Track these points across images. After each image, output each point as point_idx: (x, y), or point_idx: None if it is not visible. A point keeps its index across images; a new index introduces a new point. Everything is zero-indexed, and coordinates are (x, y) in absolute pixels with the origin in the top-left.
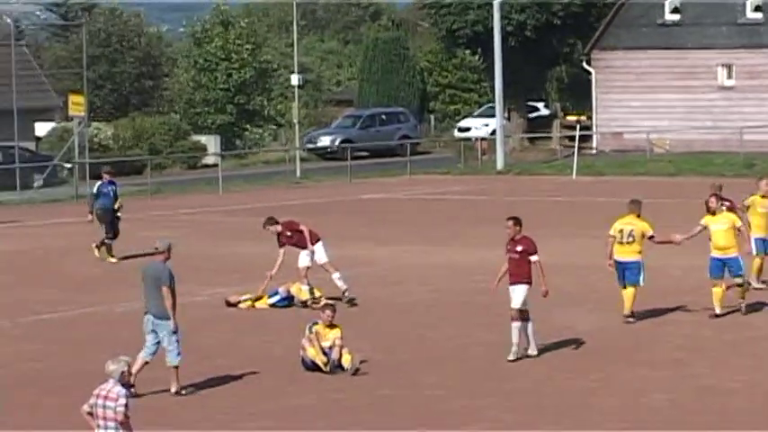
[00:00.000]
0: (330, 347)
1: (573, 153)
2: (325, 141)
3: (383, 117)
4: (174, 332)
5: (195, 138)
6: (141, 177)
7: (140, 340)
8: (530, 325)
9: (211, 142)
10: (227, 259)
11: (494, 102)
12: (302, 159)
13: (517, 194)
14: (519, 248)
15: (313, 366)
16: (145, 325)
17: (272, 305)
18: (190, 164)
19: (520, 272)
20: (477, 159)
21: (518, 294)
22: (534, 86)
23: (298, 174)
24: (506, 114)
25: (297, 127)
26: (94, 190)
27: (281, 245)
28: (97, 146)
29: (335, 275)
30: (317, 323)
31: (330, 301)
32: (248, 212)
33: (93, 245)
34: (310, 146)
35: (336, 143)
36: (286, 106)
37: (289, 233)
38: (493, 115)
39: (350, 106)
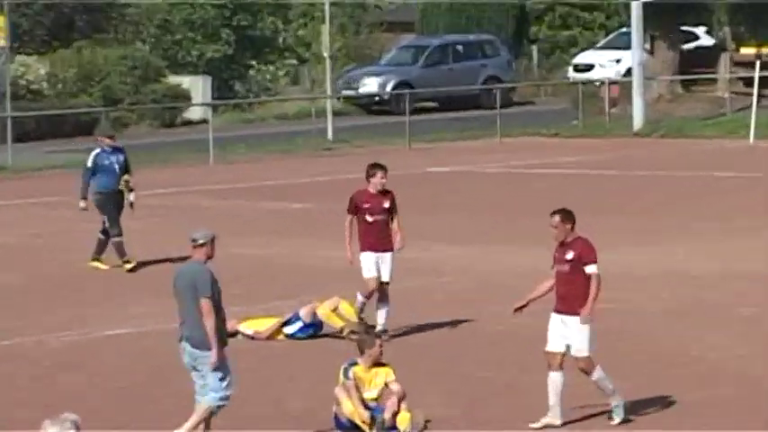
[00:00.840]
0: (376, 399)
1: (750, 105)
2: (371, 85)
3: (459, 49)
4: (217, 369)
5: (173, 80)
6: (90, 139)
7: (127, 371)
8: (596, 372)
9: (197, 87)
10: (220, 264)
11: (628, 26)
12: (336, 113)
13: (663, 167)
14: (569, 256)
15: (351, 427)
16: (182, 357)
17: (290, 336)
18: (165, 120)
19: (573, 293)
20: (602, 114)
21: (575, 334)
22: (692, 3)
23: (329, 134)
24: (648, 45)
25: (328, 63)
26: (89, 162)
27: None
28: (24, 91)
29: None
30: (355, 363)
31: (376, 328)
32: (252, 194)
33: (92, 260)
34: (349, 92)
35: (388, 88)
36: (313, 31)
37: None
38: (627, 47)
39: (409, 32)
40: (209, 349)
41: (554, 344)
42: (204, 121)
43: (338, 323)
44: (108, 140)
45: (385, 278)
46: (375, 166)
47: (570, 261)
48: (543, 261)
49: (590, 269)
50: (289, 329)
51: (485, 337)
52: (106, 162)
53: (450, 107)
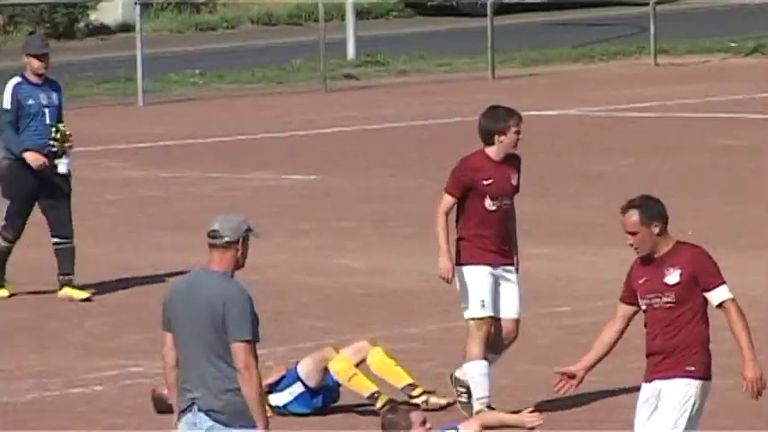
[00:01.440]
0: None
1: None
2: None
3: None
4: None
5: None
6: None
7: None
8: None
9: None
10: (147, 279)
11: None
12: (362, 12)
13: None
14: (672, 277)
15: None
16: None
17: (281, 409)
18: (58, 27)
19: (684, 342)
20: None
21: (667, 413)
22: None
23: (350, 52)
24: None
25: None
26: (6, 101)
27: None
28: None
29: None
30: None
31: (476, 399)
32: (215, 157)
33: (62, 284)
34: None
35: None
36: None
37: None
38: None
39: None
40: (246, 425)
41: None
42: (127, 29)
43: (367, 387)
44: (37, 64)
45: (512, 313)
46: (506, 113)
47: (676, 286)
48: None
49: (719, 294)
50: (278, 398)
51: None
52: (31, 102)
53: (558, 4)
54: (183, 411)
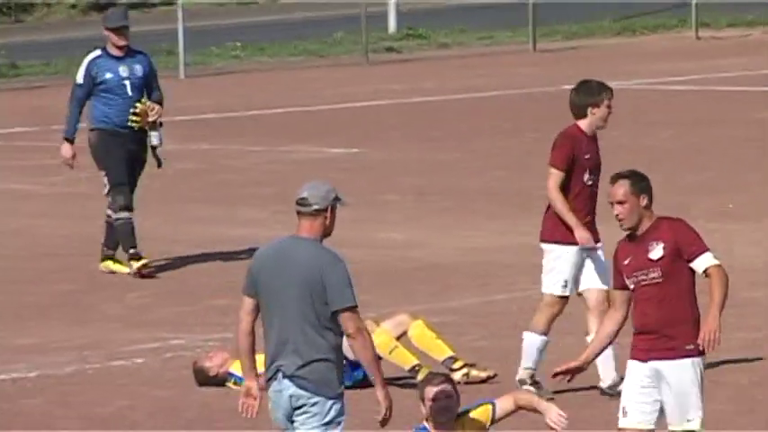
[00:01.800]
0: None
1: None
2: None
3: None
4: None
5: None
6: None
7: None
8: None
9: None
10: (187, 252)
11: None
12: None
13: None
14: (656, 252)
15: None
16: (272, 406)
17: None
18: (103, 0)
19: (673, 317)
20: None
21: (681, 391)
22: None
23: (391, 24)
24: None
25: None
26: (80, 76)
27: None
28: None
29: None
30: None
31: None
32: (256, 130)
33: (104, 258)
34: None
35: None
36: None
37: None
38: None
39: None
40: (330, 395)
41: (638, 417)
42: (168, 2)
43: (408, 360)
44: (116, 38)
45: (604, 284)
46: (598, 86)
47: (660, 261)
48: None
49: (704, 261)
50: None
51: None
52: (109, 76)
53: None
54: (270, 380)
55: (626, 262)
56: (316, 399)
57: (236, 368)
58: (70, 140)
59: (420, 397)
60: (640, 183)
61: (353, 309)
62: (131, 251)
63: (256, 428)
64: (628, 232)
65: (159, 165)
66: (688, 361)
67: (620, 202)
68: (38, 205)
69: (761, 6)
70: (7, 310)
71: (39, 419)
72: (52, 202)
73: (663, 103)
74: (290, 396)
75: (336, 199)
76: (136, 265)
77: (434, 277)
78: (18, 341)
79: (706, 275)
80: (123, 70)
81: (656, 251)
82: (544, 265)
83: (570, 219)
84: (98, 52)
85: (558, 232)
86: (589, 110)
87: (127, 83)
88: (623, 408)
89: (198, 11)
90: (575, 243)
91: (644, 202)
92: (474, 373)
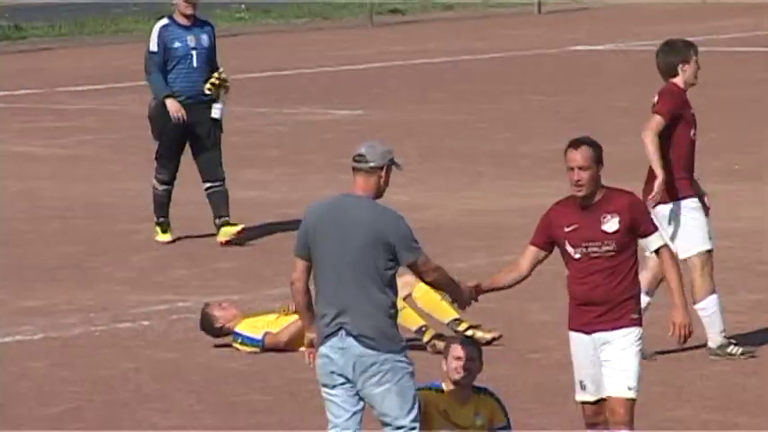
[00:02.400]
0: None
1: None
2: None
3: None
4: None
5: None
6: None
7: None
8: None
9: None
10: (194, 214)
11: None
12: None
13: None
14: (611, 224)
15: None
16: (325, 363)
17: None
18: None
19: (619, 291)
20: None
21: (622, 357)
22: None
23: None
24: None
25: None
26: (153, 44)
27: None
28: None
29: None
30: (439, 389)
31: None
32: (261, 93)
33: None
34: None
35: None
36: None
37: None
38: None
39: None
40: (394, 350)
41: (595, 388)
42: None
43: (415, 321)
44: (184, 5)
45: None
46: (684, 44)
47: (615, 234)
48: None
49: (656, 240)
50: None
51: None
52: (177, 45)
53: None
54: (329, 336)
55: (569, 229)
56: (385, 356)
57: (243, 328)
58: (171, 95)
59: (444, 354)
60: (599, 151)
61: (424, 256)
62: (160, 220)
63: (262, 392)
64: (580, 196)
65: (218, 126)
66: (634, 330)
67: (582, 168)
68: (43, 168)
69: None
70: (12, 273)
71: (43, 382)
72: (57, 165)
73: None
74: (358, 356)
75: (393, 161)
76: (161, 237)
77: (439, 239)
78: (23, 303)
79: (656, 254)
80: (191, 40)
81: (612, 224)
82: (674, 228)
83: (658, 166)
84: (166, 20)
85: (683, 186)
86: (680, 67)
87: (193, 53)
88: (580, 381)
89: None
90: (694, 195)
91: (600, 170)
92: (479, 334)
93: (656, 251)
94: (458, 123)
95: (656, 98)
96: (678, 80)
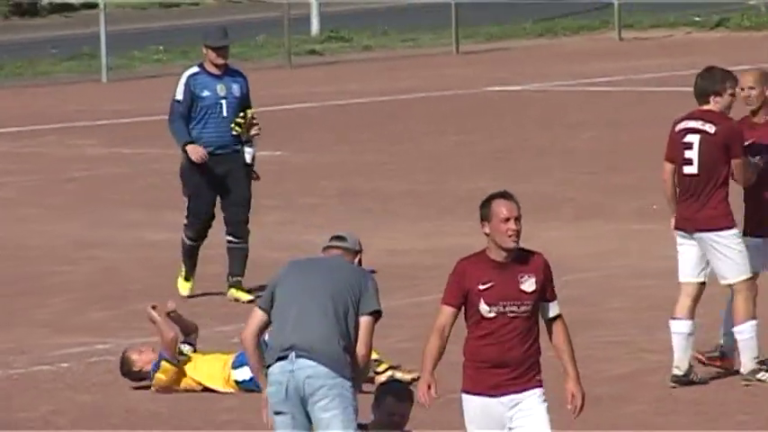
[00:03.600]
0: None
1: None
2: None
3: None
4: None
5: None
6: None
7: None
8: None
9: None
10: (112, 256)
11: None
12: None
13: None
14: (528, 287)
15: None
16: (277, 389)
17: (249, 384)
18: (25, 4)
19: (531, 353)
20: None
21: (544, 424)
22: None
23: (314, 27)
24: None
25: None
26: (179, 93)
27: None
28: None
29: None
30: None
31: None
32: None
33: (233, 285)
34: None
35: None
36: None
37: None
38: None
39: None
40: (346, 376)
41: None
42: (90, 6)
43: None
44: (215, 56)
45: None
46: (722, 75)
47: (533, 294)
48: None
49: (556, 307)
50: (245, 373)
51: None
52: (206, 94)
53: None
54: (279, 359)
55: (484, 286)
56: (335, 380)
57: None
58: (191, 142)
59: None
60: (510, 199)
61: (378, 315)
62: (185, 272)
63: (179, 429)
64: (507, 249)
65: (257, 178)
66: (541, 390)
67: (518, 219)
68: None
69: (682, 7)
70: None
71: None
72: None
73: (586, 104)
74: (307, 377)
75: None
76: (183, 289)
77: None
78: None
79: (551, 321)
80: (221, 89)
81: (529, 284)
82: (717, 256)
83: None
84: (196, 69)
85: (730, 216)
86: (711, 98)
87: (223, 102)
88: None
89: (120, 15)
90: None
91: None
92: (398, 375)
93: (554, 318)
94: (376, 164)
95: (713, 130)
96: (712, 107)
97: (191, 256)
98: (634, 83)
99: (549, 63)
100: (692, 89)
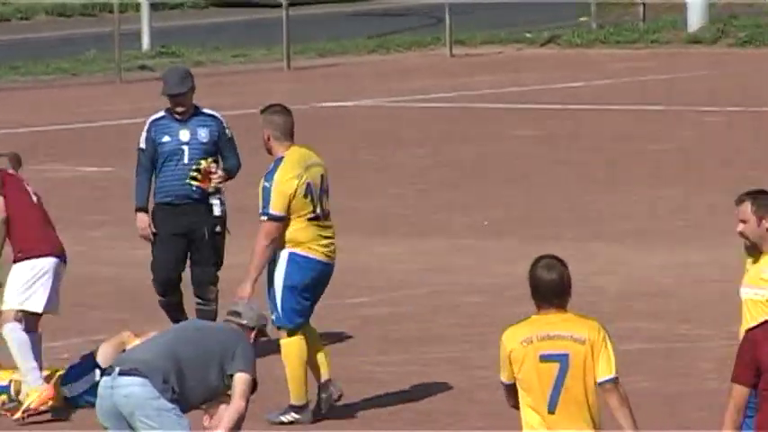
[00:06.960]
0: None
1: None
2: None
3: None
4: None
5: None
6: None
7: None
8: None
9: None
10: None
11: None
12: (157, 5)
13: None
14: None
15: None
16: (97, 409)
17: (74, 400)
18: None
19: None
20: (633, 5)
21: None
22: None
23: (144, 43)
24: None
25: None
26: (142, 141)
27: None
28: None
29: None
30: None
31: None
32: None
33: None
34: None
35: None
36: None
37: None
38: None
39: None
40: (167, 396)
41: None
42: None
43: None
44: (173, 103)
45: None
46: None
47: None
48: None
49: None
50: (74, 389)
51: None
52: (167, 139)
53: None
54: (103, 374)
55: None
56: (155, 401)
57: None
58: (143, 209)
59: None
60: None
61: (249, 375)
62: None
63: None
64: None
65: (227, 232)
66: None
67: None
68: None
69: (515, 24)
70: None
71: None
72: None
73: (417, 120)
74: (126, 396)
75: (264, 330)
76: None
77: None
78: None
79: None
80: (184, 134)
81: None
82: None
83: None
84: (161, 113)
85: None
86: None
87: (185, 148)
88: None
89: None
90: None
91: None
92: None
93: None
94: None
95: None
96: None
97: (168, 312)
98: (465, 99)
99: (382, 79)
100: (523, 106)
